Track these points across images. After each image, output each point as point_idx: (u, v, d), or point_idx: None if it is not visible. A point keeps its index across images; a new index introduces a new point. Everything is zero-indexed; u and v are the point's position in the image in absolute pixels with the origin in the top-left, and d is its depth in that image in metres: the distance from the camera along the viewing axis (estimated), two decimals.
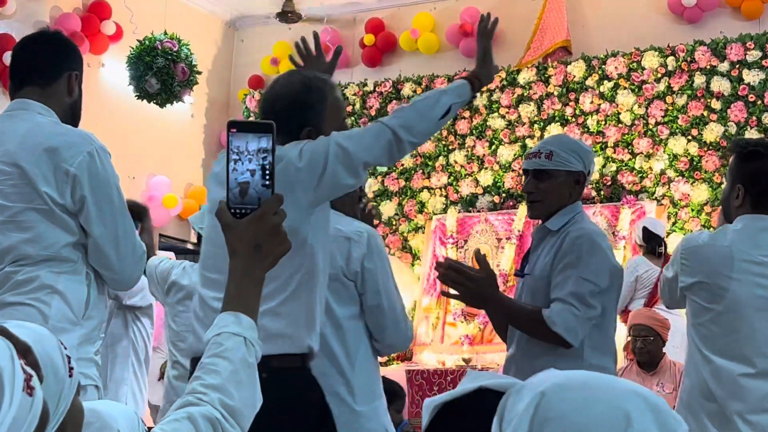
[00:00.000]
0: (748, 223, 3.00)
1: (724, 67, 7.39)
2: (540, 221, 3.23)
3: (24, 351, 1.28)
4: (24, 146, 2.57)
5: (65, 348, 1.41)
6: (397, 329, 3.03)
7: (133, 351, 4.83)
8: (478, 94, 8.12)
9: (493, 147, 8.14)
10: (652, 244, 6.64)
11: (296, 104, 2.59)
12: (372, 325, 3.01)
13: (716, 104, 7.37)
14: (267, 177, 1.52)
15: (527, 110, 8.05)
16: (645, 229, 6.61)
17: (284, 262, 2.35)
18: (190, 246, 8.59)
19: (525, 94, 8.10)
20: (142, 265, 2.75)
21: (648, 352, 5.09)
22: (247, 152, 1.51)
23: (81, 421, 1.45)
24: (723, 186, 7.04)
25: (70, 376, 1.37)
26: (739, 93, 7.31)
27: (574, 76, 7.91)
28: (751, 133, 7.18)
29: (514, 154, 8.03)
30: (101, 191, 2.59)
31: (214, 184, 2.62)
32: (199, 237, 4.14)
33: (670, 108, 7.53)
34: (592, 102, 7.81)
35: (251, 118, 7.70)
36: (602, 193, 7.66)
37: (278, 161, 2.34)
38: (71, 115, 2.78)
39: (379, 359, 3.26)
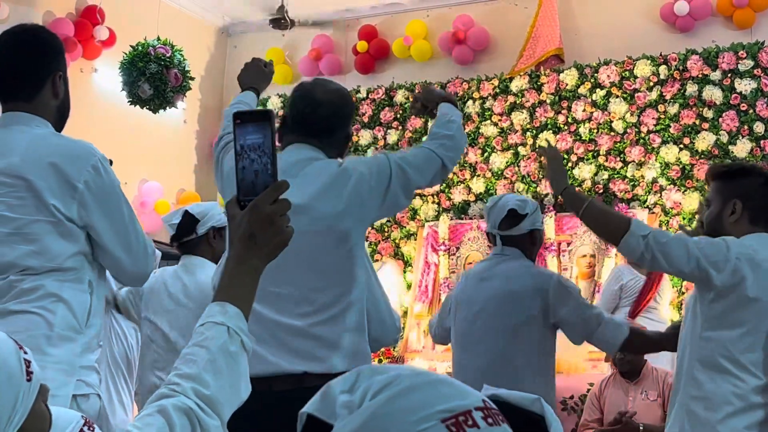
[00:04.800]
0: (764, 241, 3.01)
1: (716, 76, 7.42)
2: None
3: None
4: (28, 159, 2.56)
5: (26, 353, 1.40)
6: (383, 326, 3.08)
7: (108, 350, 4.70)
8: (471, 101, 8.21)
9: (486, 154, 8.14)
10: None
11: (340, 113, 2.67)
12: None
13: (708, 113, 7.39)
14: (269, 166, 1.50)
15: (520, 118, 8.05)
16: None
17: (345, 279, 2.46)
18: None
19: (517, 102, 8.11)
20: (152, 261, 2.78)
21: (629, 362, 5.06)
22: (252, 142, 1.50)
23: (46, 427, 1.43)
24: None
25: (29, 380, 1.36)
26: (731, 102, 7.33)
27: (567, 84, 7.92)
28: (743, 142, 7.21)
29: (507, 162, 8.04)
30: (109, 202, 2.60)
31: (228, 183, 2.67)
32: (174, 236, 4.17)
33: (662, 116, 7.55)
34: (584, 110, 7.82)
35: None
36: None
37: (347, 175, 2.42)
38: (59, 116, 2.76)
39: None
